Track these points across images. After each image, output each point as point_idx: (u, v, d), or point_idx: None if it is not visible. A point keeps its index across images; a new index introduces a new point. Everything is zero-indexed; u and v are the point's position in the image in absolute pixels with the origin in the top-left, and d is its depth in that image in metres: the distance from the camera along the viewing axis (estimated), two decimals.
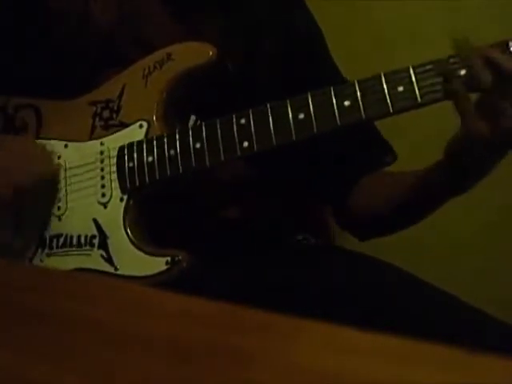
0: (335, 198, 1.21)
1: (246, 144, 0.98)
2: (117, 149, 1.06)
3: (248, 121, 0.98)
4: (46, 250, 1.08)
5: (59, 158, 1.11)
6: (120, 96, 1.09)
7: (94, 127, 1.10)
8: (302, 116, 0.95)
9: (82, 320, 0.51)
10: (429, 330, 0.87)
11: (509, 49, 0.89)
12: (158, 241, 1.03)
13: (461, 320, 0.92)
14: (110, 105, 1.09)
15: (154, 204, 1.07)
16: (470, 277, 1.53)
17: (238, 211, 1.14)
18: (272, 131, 0.97)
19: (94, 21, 1.14)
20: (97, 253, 1.04)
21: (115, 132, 1.08)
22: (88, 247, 1.05)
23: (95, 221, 1.05)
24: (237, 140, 0.98)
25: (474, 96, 0.91)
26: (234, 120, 0.99)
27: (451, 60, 0.90)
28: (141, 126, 1.05)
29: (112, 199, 1.05)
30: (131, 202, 1.04)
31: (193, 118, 1.10)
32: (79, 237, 1.06)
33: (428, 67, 0.91)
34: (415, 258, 1.49)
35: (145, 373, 0.44)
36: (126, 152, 1.05)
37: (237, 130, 0.98)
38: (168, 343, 0.47)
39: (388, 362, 0.42)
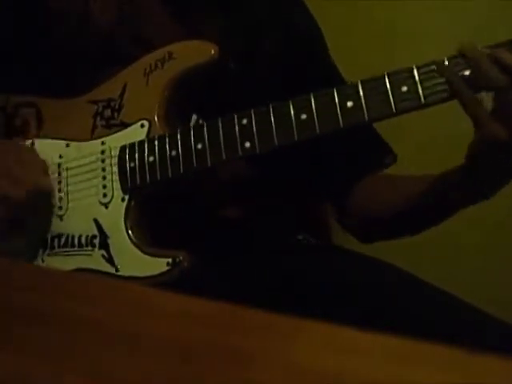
0: (336, 198, 1.20)
1: (247, 144, 0.98)
2: (118, 148, 1.06)
3: (250, 121, 0.98)
4: (48, 250, 1.08)
5: (60, 157, 1.11)
6: (121, 95, 1.09)
7: (95, 126, 1.09)
8: (304, 117, 0.95)
9: (82, 320, 0.51)
10: (429, 330, 0.87)
11: None
12: (159, 241, 1.03)
13: (461, 320, 0.92)
14: (112, 104, 1.09)
15: (155, 204, 1.06)
16: (469, 277, 1.53)
17: (239, 211, 1.14)
18: (274, 132, 0.96)
19: (94, 20, 1.14)
20: (98, 253, 1.04)
21: (116, 131, 1.08)
22: (89, 247, 1.05)
23: (96, 221, 1.05)
24: (238, 140, 0.98)
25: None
26: (236, 120, 0.99)
27: (455, 60, 0.90)
28: (142, 126, 1.05)
29: (113, 199, 1.05)
30: (132, 203, 1.04)
31: (194, 117, 1.10)
32: (80, 237, 1.06)
33: (432, 67, 0.90)
34: (415, 258, 1.48)
35: (145, 373, 0.44)
36: (127, 152, 1.05)
37: (239, 131, 0.98)
38: (168, 343, 0.47)
39: (388, 361, 0.42)
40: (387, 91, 0.91)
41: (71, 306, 0.53)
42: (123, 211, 1.04)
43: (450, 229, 1.52)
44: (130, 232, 1.02)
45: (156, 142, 1.03)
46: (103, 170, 1.07)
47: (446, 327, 0.90)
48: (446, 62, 0.90)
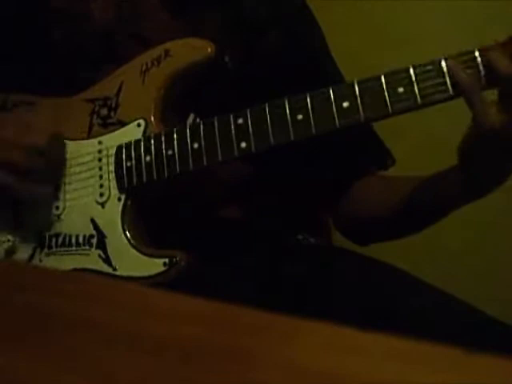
0: (333, 200, 1.21)
1: (243, 144, 0.98)
2: (115, 148, 1.06)
3: (246, 121, 0.98)
4: (45, 250, 1.08)
5: None
6: (118, 93, 1.08)
7: (91, 125, 1.09)
8: (300, 117, 0.95)
9: (82, 320, 0.51)
10: (429, 330, 0.87)
11: None
12: (157, 241, 1.03)
13: (460, 320, 0.92)
14: (108, 102, 1.09)
15: (152, 204, 1.06)
16: (469, 277, 1.53)
17: (238, 211, 1.14)
18: (270, 131, 0.96)
19: (94, 19, 1.14)
20: (95, 253, 1.04)
21: (113, 130, 1.07)
22: (86, 247, 1.05)
23: (93, 220, 1.05)
24: (234, 140, 0.98)
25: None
26: (232, 120, 0.98)
27: (459, 58, 0.89)
28: (139, 125, 1.05)
29: (110, 199, 1.05)
30: (129, 202, 1.04)
31: (191, 116, 1.10)
32: (78, 236, 1.06)
33: (428, 67, 0.90)
34: (414, 258, 1.49)
35: (145, 373, 0.44)
36: (124, 151, 1.05)
37: (234, 130, 0.98)
38: (167, 343, 0.47)
39: (388, 361, 0.42)
40: (383, 91, 0.91)
41: (71, 305, 0.53)
42: (120, 211, 1.04)
43: (450, 229, 1.53)
44: (126, 232, 1.02)
45: (152, 141, 1.03)
46: (100, 169, 1.07)
47: (446, 327, 0.91)
48: (443, 62, 0.90)
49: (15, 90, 1.16)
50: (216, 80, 1.09)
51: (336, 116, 0.93)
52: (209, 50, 1.03)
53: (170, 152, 1.01)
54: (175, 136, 1.01)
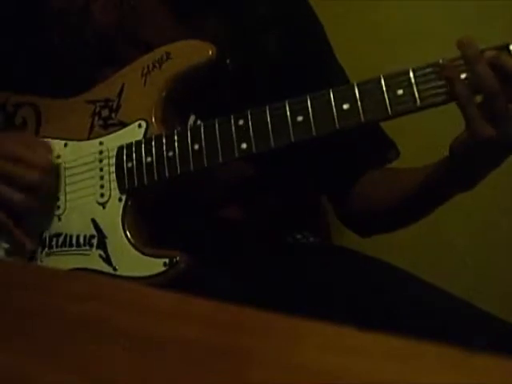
0: (337, 194, 1.21)
1: (244, 146, 0.98)
2: (116, 149, 1.06)
3: (246, 122, 0.98)
4: (46, 250, 1.08)
5: (58, 157, 1.11)
6: (119, 95, 1.09)
7: (92, 126, 1.10)
8: (300, 118, 0.95)
9: (82, 319, 0.51)
10: (428, 330, 0.87)
11: (510, 51, 0.88)
12: (157, 241, 1.03)
13: (460, 318, 0.92)
14: (109, 104, 1.09)
15: (153, 204, 1.07)
16: (469, 276, 1.53)
17: (238, 211, 1.14)
18: (270, 133, 0.96)
19: (94, 21, 1.14)
20: (95, 253, 1.04)
21: (114, 131, 1.08)
22: (87, 247, 1.05)
23: (94, 221, 1.05)
24: (235, 141, 0.98)
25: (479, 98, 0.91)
26: (233, 121, 0.98)
27: (454, 62, 0.90)
28: (140, 126, 1.05)
29: (110, 199, 1.05)
30: (130, 203, 1.04)
31: (192, 117, 1.10)
32: (78, 236, 1.06)
33: (428, 70, 0.91)
34: (415, 257, 1.49)
35: (144, 373, 0.44)
36: (124, 152, 1.05)
37: (235, 132, 0.98)
38: (168, 343, 0.47)
39: (388, 361, 0.42)
40: (383, 94, 0.91)
41: (70, 305, 0.53)
42: (121, 211, 1.04)
43: (450, 229, 1.53)
44: (127, 232, 1.02)
45: (153, 143, 1.03)
46: (101, 169, 1.07)
47: (446, 326, 0.91)
48: (441, 62, 0.90)
49: (15, 90, 1.16)
50: (217, 82, 1.10)
51: (336, 118, 0.93)
52: (210, 52, 1.04)
53: (170, 153, 1.01)
54: (176, 137, 1.02)
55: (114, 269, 1.02)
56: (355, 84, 0.94)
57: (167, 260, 0.98)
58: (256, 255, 1.09)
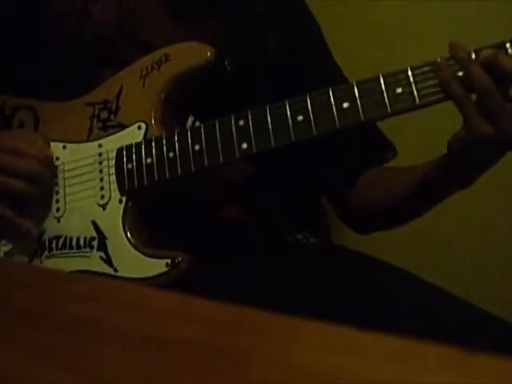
0: (336, 193, 1.21)
1: (244, 146, 0.98)
2: (115, 150, 1.06)
3: (247, 122, 0.98)
4: (46, 252, 1.08)
5: (57, 159, 1.11)
6: (118, 97, 1.09)
7: (91, 128, 1.10)
8: (300, 118, 0.95)
9: (82, 320, 0.51)
10: (429, 330, 0.88)
11: (507, 50, 0.89)
12: (158, 242, 1.03)
13: (460, 318, 0.92)
14: (108, 106, 1.09)
15: (153, 205, 1.07)
16: (469, 275, 1.53)
17: (238, 211, 1.14)
18: (271, 133, 0.96)
19: (94, 23, 1.14)
20: (96, 255, 1.04)
21: (113, 133, 1.08)
22: (87, 249, 1.05)
23: (94, 223, 1.05)
24: (235, 142, 0.98)
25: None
26: (233, 121, 0.99)
27: (450, 61, 0.90)
28: (139, 128, 1.05)
29: (111, 201, 1.05)
30: (130, 204, 1.04)
31: (191, 118, 1.10)
32: (78, 239, 1.06)
33: (426, 69, 0.91)
34: (415, 257, 1.49)
35: (144, 373, 0.44)
36: (124, 154, 1.05)
37: (235, 132, 0.98)
38: (168, 343, 0.47)
39: (388, 361, 0.42)
40: (382, 92, 0.92)
41: (70, 305, 0.53)
42: (121, 213, 1.04)
43: (449, 227, 1.54)
44: (127, 233, 1.02)
45: (153, 144, 1.03)
46: (100, 171, 1.07)
47: (446, 326, 0.91)
48: (439, 61, 0.90)
49: (15, 92, 1.16)
50: (215, 83, 1.10)
51: (336, 117, 0.94)
52: (208, 54, 1.04)
53: (171, 154, 1.01)
54: (176, 138, 1.02)
55: (115, 270, 1.02)
56: (355, 83, 0.94)
57: (169, 261, 0.98)
58: (256, 255, 1.09)
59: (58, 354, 0.47)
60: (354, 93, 0.93)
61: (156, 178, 1.02)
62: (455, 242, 1.56)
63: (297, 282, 1.03)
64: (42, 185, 1.07)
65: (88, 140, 1.10)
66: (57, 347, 0.48)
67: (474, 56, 0.89)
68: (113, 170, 1.06)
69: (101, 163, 1.07)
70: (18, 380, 0.44)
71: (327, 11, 1.29)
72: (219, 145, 0.99)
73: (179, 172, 1.01)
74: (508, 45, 0.89)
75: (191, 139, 1.01)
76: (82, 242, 1.05)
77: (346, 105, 0.93)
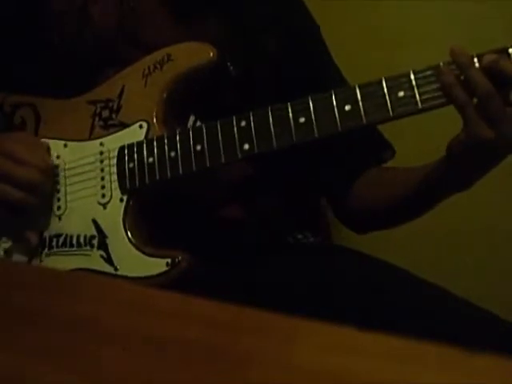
0: (335, 194, 1.21)
1: (246, 146, 0.98)
2: (117, 149, 1.06)
3: (248, 123, 0.98)
4: (46, 250, 1.08)
5: (58, 157, 1.11)
6: (120, 96, 1.09)
7: (93, 127, 1.10)
8: (302, 120, 0.95)
9: (82, 319, 0.51)
10: (429, 330, 0.88)
11: (510, 54, 0.89)
12: (158, 241, 1.03)
13: (460, 317, 0.93)
14: (110, 104, 1.09)
15: (154, 204, 1.07)
16: (469, 274, 1.53)
17: (239, 210, 1.14)
18: (273, 134, 0.96)
19: (94, 22, 1.14)
20: (96, 253, 1.04)
21: (115, 132, 1.08)
22: (87, 247, 1.05)
23: (95, 221, 1.05)
24: (237, 142, 0.98)
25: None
26: (235, 122, 0.99)
27: (452, 66, 0.90)
28: (141, 127, 1.06)
29: (112, 200, 1.05)
30: (131, 203, 1.04)
31: (192, 118, 1.10)
32: (79, 237, 1.06)
33: (428, 72, 0.91)
34: (415, 256, 1.49)
35: (144, 373, 0.44)
36: (126, 152, 1.05)
37: (237, 133, 0.98)
38: (168, 343, 0.47)
39: (388, 361, 0.42)
40: (384, 96, 0.92)
41: (70, 305, 0.53)
42: (122, 212, 1.04)
43: (449, 227, 1.54)
44: (128, 232, 1.03)
45: (155, 143, 1.03)
46: (102, 170, 1.07)
47: (446, 325, 0.91)
48: (441, 65, 0.90)
49: (15, 91, 1.17)
50: (217, 83, 1.10)
51: (338, 119, 0.93)
52: (210, 54, 1.04)
53: (172, 154, 1.01)
54: (178, 138, 1.02)
55: (116, 269, 1.02)
56: (357, 86, 0.94)
57: (169, 260, 0.98)
58: (256, 255, 1.09)
59: (58, 353, 0.47)
60: (357, 96, 0.93)
61: (157, 177, 1.02)
62: (455, 242, 1.56)
63: (297, 282, 1.03)
64: (42, 194, 1.07)
65: (89, 138, 1.10)
66: (57, 347, 0.48)
67: (476, 60, 0.89)
68: (114, 169, 1.06)
69: (102, 162, 1.07)
70: (18, 380, 0.44)
71: (327, 13, 1.29)
72: (221, 145, 0.99)
73: (180, 172, 1.01)
74: (511, 50, 0.89)
75: (193, 139, 1.01)
76: (82, 241, 1.06)
77: (348, 107, 0.93)
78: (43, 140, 1.13)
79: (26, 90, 1.16)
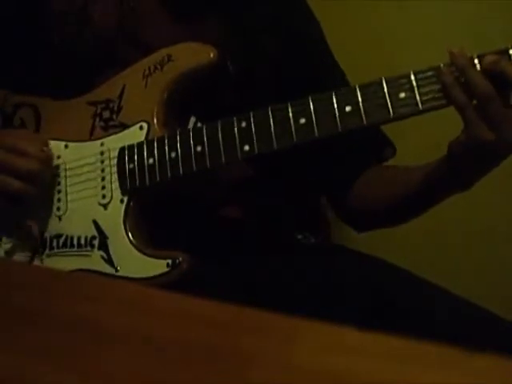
0: (336, 193, 1.21)
1: (246, 147, 0.98)
2: (117, 150, 1.06)
3: (249, 124, 0.98)
4: (47, 251, 1.08)
5: (59, 157, 1.11)
6: (120, 96, 1.09)
7: (93, 127, 1.10)
8: (303, 120, 0.95)
9: (82, 319, 0.51)
10: (429, 330, 0.88)
11: (510, 56, 0.89)
12: (159, 241, 1.03)
13: (461, 317, 0.93)
14: (110, 105, 1.09)
15: (155, 205, 1.07)
16: (469, 274, 1.53)
17: (238, 210, 1.14)
18: (273, 135, 0.96)
19: (94, 22, 1.14)
20: (97, 254, 1.04)
21: (115, 133, 1.08)
22: (88, 248, 1.05)
23: (95, 222, 1.05)
24: (238, 143, 0.98)
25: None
26: (235, 123, 0.99)
27: (452, 67, 0.90)
28: (141, 128, 1.06)
29: (112, 201, 1.05)
30: (131, 204, 1.04)
31: (192, 119, 1.10)
32: (79, 237, 1.06)
33: (429, 74, 0.91)
34: (414, 256, 1.49)
35: (145, 373, 0.44)
36: (126, 153, 1.05)
37: (238, 133, 0.98)
38: (168, 343, 0.47)
39: (388, 361, 0.42)
40: (385, 97, 0.92)
41: (70, 305, 0.53)
42: (122, 212, 1.04)
43: (449, 226, 1.54)
44: (129, 233, 1.03)
45: (155, 144, 1.03)
46: (102, 171, 1.07)
47: (446, 325, 0.91)
48: (442, 66, 0.90)
49: (15, 91, 1.17)
50: (217, 84, 1.10)
51: (338, 120, 0.93)
52: (211, 54, 1.04)
53: (173, 154, 1.01)
54: (178, 139, 1.02)
55: (116, 270, 1.02)
56: (357, 86, 0.94)
57: (170, 261, 0.98)
58: (256, 255, 1.09)
59: (58, 353, 0.47)
60: (357, 96, 0.93)
61: (158, 178, 1.02)
62: (455, 242, 1.56)
63: (297, 282, 1.03)
64: (42, 184, 1.07)
65: (90, 139, 1.10)
66: (57, 347, 0.48)
67: (477, 61, 0.89)
68: (114, 170, 1.06)
69: (102, 162, 1.07)
70: (18, 380, 0.44)
71: (327, 13, 1.28)
72: (221, 146, 0.99)
73: (181, 172, 1.01)
74: (511, 51, 0.89)
75: (193, 140, 1.01)
76: (82, 241, 1.06)
77: (348, 108, 0.93)
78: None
79: (26, 90, 1.16)
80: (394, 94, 0.91)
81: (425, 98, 0.90)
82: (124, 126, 1.07)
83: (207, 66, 1.04)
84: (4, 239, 1.11)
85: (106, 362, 0.46)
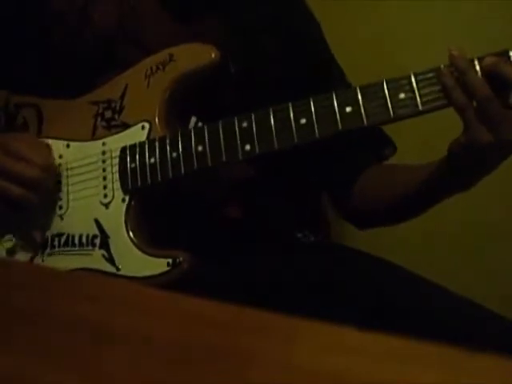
0: (337, 192, 1.21)
1: (247, 147, 0.98)
2: (119, 149, 1.07)
3: (250, 124, 0.98)
4: (48, 249, 1.08)
5: (61, 157, 1.11)
6: (122, 96, 1.09)
7: (95, 127, 1.10)
8: (303, 121, 0.95)
9: (82, 319, 0.51)
10: (429, 329, 0.88)
11: (510, 57, 0.89)
12: (160, 241, 1.03)
13: (461, 316, 0.93)
14: (112, 105, 1.09)
15: (156, 204, 1.07)
16: (469, 274, 1.53)
17: (238, 210, 1.14)
18: (274, 135, 0.97)
19: (94, 22, 1.14)
20: (98, 253, 1.04)
21: (117, 132, 1.08)
22: (89, 247, 1.05)
23: (97, 221, 1.06)
24: (239, 143, 0.98)
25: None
26: (236, 123, 0.99)
27: (452, 68, 0.90)
28: (143, 128, 1.06)
29: (114, 200, 1.05)
30: (133, 203, 1.05)
31: (193, 119, 1.10)
32: (81, 236, 1.06)
33: (429, 75, 0.91)
34: (414, 255, 1.49)
35: (145, 373, 0.44)
36: (128, 153, 1.06)
37: (239, 133, 0.98)
38: (168, 343, 0.47)
39: (388, 362, 0.42)
40: (385, 98, 0.92)
41: (70, 305, 0.53)
42: (124, 212, 1.04)
43: (449, 226, 1.54)
44: (130, 232, 1.03)
45: (157, 144, 1.03)
46: (104, 170, 1.07)
47: (446, 324, 0.91)
48: (442, 67, 0.90)
49: (17, 91, 1.17)
50: (218, 84, 1.10)
51: (339, 121, 0.94)
52: (212, 55, 1.04)
53: (174, 154, 1.02)
54: (180, 138, 1.02)
55: (117, 269, 1.02)
56: (358, 87, 0.94)
57: (171, 260, 0.98)
58: (256, 255, 1.09)
59: (58, 353, 0.47)
60: (357, 97, 0.93)
61: (159, 177, 1.02)
62: (455, 241, 1.56)
63: (297, 282, 1.03)
64: (43, 192, 1.07)
65: (92, 139, 1.10)
66: (57, 347, 0.48)
67: (476, 63, 0.89)
68: (116, 169, 1.06)
69: (104, 162, 1.08)
70: (18, 380, 0.44)
71: (327, 13, 1.29)
72: (222, 146, 0.99)
73: (182, 172, 1.01)
74: (511, 53, 0.89)
75: (194, 140, 1.01)
76: (84, 240, 1.06)
77: (348, 109, 0.93)
78: (46, 140, 1.13)
79: (26, 90, 1.16)
80: (394, 95, 0.92)
81: (425, 99, 0.91)
82: (126, 126, 1.08)
83: (209, 67, 1.05)
84: (5, 239, 1.11)
85: (106, 362, 0.45)
